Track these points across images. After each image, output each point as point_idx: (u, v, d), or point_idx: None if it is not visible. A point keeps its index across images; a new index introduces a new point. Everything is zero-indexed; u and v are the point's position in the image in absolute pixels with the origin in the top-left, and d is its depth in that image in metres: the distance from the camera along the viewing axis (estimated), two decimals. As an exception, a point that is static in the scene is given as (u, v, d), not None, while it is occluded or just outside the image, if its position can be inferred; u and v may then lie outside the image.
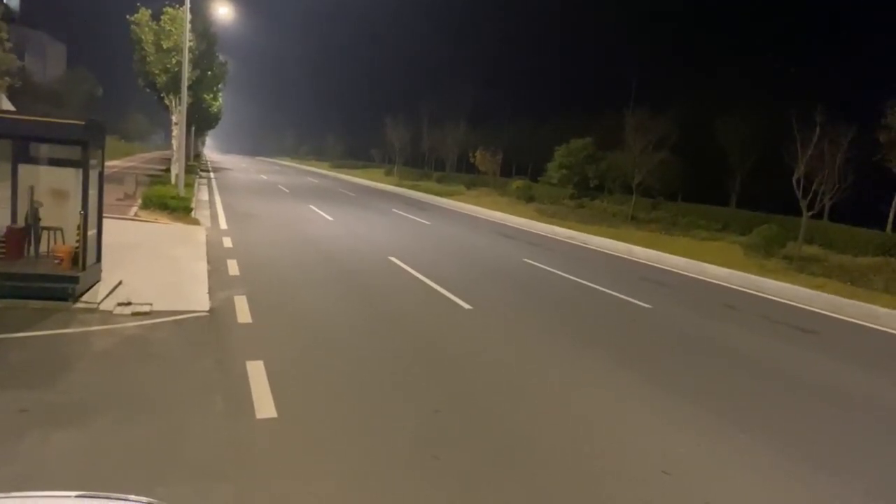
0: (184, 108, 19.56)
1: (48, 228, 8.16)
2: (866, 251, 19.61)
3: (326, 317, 8.44)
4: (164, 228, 14.07)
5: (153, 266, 9.97)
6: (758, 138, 31.04)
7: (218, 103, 41.25)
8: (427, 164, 67.57)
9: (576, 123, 41.78)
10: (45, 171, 8.18)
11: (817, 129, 18.29)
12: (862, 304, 12.79)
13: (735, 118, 32.54)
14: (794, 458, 5.38)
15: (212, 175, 40.95)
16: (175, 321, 7.37)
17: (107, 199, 8.98)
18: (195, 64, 21.69)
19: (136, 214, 15.48)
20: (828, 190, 18.29)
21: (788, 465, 5.23)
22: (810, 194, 18.50)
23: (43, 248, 8.15)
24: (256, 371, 5.97)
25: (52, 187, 8.17)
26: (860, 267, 17.36)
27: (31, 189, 8.05)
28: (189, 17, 18.77)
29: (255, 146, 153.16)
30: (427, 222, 22.90)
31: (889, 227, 23.92)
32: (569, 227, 23.78)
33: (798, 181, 18.71)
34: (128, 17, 20.70)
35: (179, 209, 16.24)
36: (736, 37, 55.84)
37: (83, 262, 7.53)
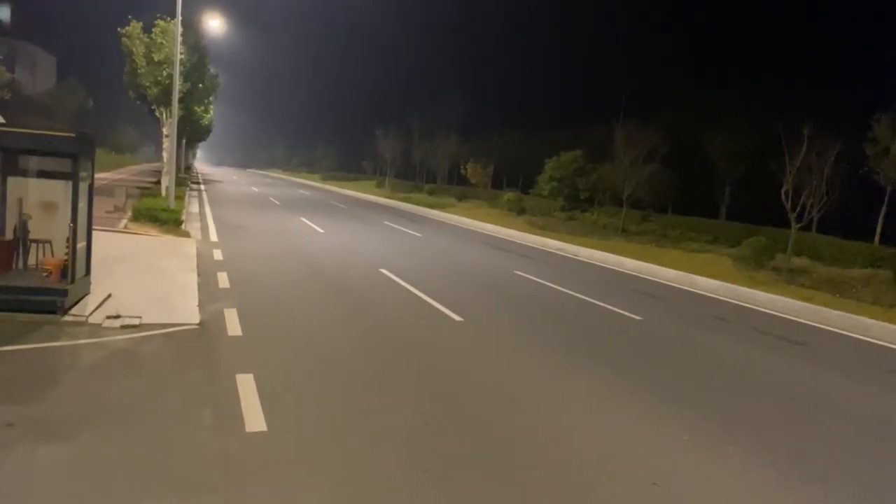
0: (174, 120, 19.51)
1: (37, 241, 8.10)
2: (854, 263, 19.79)
3: (317, 329, 8.41)
4: (154, 241, 13.99)
5: (143, 279, 9.90)
6: (747, 151, 31.36)
7: (209, 116, 41.13)
8: (418, 176, 67.81)
9: (566, 136, 42.11)
10: (34, 183, 8.12)
11: (805, 142, 18.49)
12: (850, 315, 12.89)
13: (724, 131, 32.86)
14: (782, 467, 5.41)
15: (202, 187, 40.84)
16: (165, 334, 7.32)
17: (96, 212, 8.92)
18: (186, 76, 21.62)
19: (125, 227, 15.39)
20: (816, 202, 18.48)
21: (777, 474, 5.25)
22: (798, 206, 18.67)
23: (32, 260, 8.09)
24: (246, 384, 5.94)
25: (42, 199, 8.13)
26: (849, 279, 17.53)
27: (20, 201, 8.00)
28: (180, 29, 18.77)
29: (247, 158, 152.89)
30: (418, 234, 22.91)
31: (877, 238, 24.16)
32: (560, 240, 23.87)
33: (786, 193, 18.88)
34: (119, 29, 20.65)
35: (170, 221, 16.16)
36: (726, 51, 56.69)
37: (72, 274, 7.47)
